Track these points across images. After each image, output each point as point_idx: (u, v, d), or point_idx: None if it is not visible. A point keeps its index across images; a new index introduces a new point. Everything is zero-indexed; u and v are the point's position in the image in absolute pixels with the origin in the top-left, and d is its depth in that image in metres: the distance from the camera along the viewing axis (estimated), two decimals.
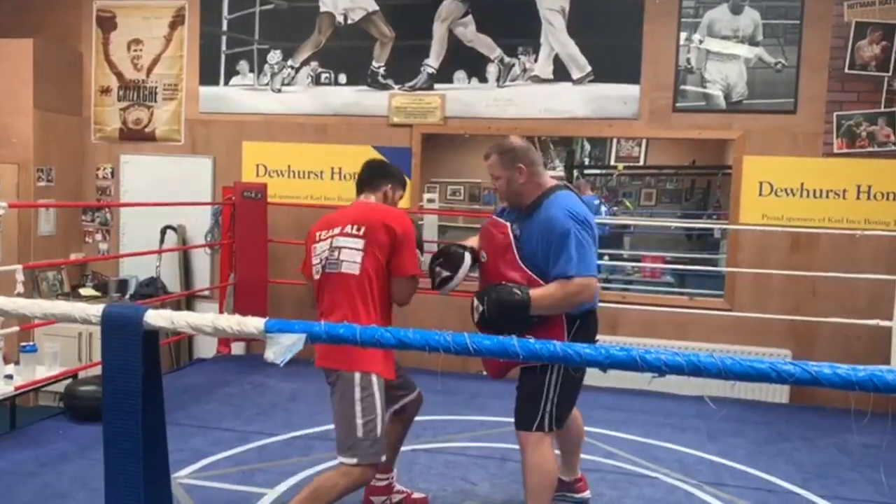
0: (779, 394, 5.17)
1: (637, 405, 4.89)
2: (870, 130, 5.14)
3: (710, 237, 8.92)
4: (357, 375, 2.67)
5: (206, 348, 6.02)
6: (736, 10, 5.27)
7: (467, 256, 2.84)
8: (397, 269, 2.74)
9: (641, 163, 10.88)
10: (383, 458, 2.76)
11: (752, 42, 5.27)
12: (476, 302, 2.71)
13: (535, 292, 2.63)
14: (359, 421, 2.65)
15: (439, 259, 2.89)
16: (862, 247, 5.02)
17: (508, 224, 2.76)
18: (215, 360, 5.73)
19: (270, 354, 1.15)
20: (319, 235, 2.83)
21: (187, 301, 6.16)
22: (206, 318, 1.19)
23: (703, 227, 8.67)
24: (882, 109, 5.11)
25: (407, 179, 3.12)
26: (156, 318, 1.17)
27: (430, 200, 9.92)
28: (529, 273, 2.69)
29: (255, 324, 1.15)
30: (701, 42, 5.33)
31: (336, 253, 2.75)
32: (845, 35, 5.13)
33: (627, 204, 10.64)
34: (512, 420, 2.86)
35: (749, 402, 5.10)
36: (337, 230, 2.78)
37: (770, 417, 4.79)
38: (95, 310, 1.18)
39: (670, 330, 5.33)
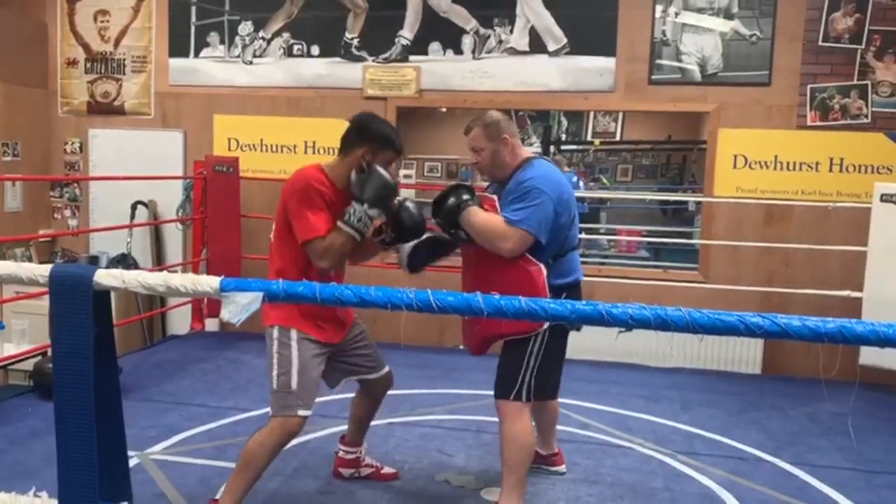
0: (751, 365, 5.21)
1: (611, 377, 4.92)
2: (843, 103, 5.16)
3: (686, 211, 8.96)
4: (275, 329, 2.62)
5: (180, 325, 5.95)
6: None
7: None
8: (297, 238, 2.55)
9: (617, 138, 10.90)
10: (301, 413, 2.59)
11: (727, 14, 5.25)
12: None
13: (476, 210, 2.66)
14: (273, 373, 2.61)
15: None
16: (834, 219, 5.05)
17: (496, 198, 2.74)
18: (189, 337, 5.66)
19: (226, 314, 1.11)
20: None
21: None
22: (159, 277, 1.15)
23: (677, 201, 8.70)
24: (855, 82, 5.13)
25: (396, 138, 2.68)
26: (106, 277, 1.12)
27: (406, 176, 9.87)
28: None
29: (209, 282, 1.11)
30: (677, 14, 5.30)
31: None
32: (819, 7, 5.12)
33: (605, 180, 10.67)
34: (489, 392, 2.85)
35: (722, 373, 5.15)
36: None
37: (742, 388, 4.84)
38: (43, 269, 1.13)
39: (645, 301, 5.28)
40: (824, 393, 4.45)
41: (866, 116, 5.13)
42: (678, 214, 9.38)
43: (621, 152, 11.67)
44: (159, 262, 6.04)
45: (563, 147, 10.46)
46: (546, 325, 2.66)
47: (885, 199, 4.67)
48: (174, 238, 6.04)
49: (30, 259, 6.00)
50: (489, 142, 2.74)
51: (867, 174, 5.11)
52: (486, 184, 3.06)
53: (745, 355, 5.21)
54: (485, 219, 2.65)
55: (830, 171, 5.18)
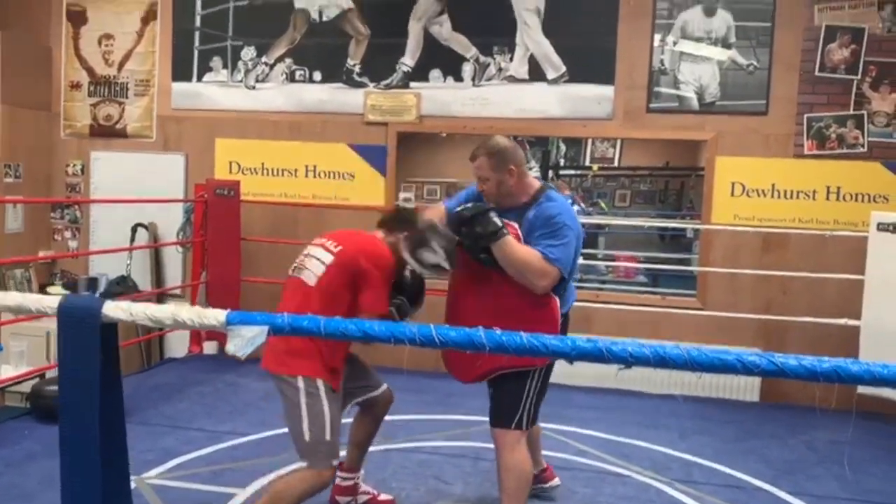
0: (749, 392, 5.22)
1: (609, 403, 4.92)
2: (839, 132, 5.21)
3: (684, 238, 8.99)
4: (300, 380, 2.65)
5: (178, 348, 5.95)
6: (709, 13, 5.31)
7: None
8: (361, 305, 2.69)
9: (616, 164, 10.96)
10: (335, 462, 2.72)
11: (724, 44, 5.32)
12: (469, 206, 2.70)
13: (513, 242, 2.60)
14: (304, 426, 2.63)
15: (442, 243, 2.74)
16: (831, 247, 5.08)
17: (517, 226, 2.69)
18: (187, 360, 5.65)
19: (231, 347, 1.12)
20: (312, 241, 2.87)
21: (158, 299, 6.07)
22: (166, 310, 1.17)
23: (676, 228, 8.73)
24: (851, 112, 5.18)
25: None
26: (114, 309, 1.14)
27: (406, 199, 9.91)
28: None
29: (216, 315, 1.13)
30: (674, 43, 5.37)
31: (305, 260, 2.77)
32: (816, 38, 5.19)
33: (603, 205, 10.71)
34: (486, 419, 2.85)
35: (720, 400, 5.15)
36: (321, 241, 2.81)
37: (740, 416, 4.83)
38: (52, 301, 1.15)
39: (643, 329, 5.35)
40: (822, 422, 4.45)
41: (862, 146, 5.18)
42: (676, 240, 9.40)
43: (619, 178, 11.71)
44: (159, 284, 6.05)
45: (561, 172, 10.52)
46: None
47: (882, 228, 4.70)
48: (174, 260, 6.05)
49: (29, 281, 6.01)
50: (494, 172, 2.70)
51: (864, 203, 5.15)
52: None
53: (743, 383, 5.23)
54: (523, 253, 2.61)
55: (827, 199, 5.21)
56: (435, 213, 2.89)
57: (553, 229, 2.63)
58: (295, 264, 2.81)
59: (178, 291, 6.04)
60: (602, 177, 11.31)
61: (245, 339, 1.08)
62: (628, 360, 0.99)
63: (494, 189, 2.72)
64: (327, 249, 2.74)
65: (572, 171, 10.88)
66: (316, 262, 2.73)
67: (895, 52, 5.09)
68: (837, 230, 5.06)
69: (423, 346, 1.09)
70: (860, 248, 4.80)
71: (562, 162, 11.09)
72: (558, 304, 2.70)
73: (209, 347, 5.77)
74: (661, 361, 0.97)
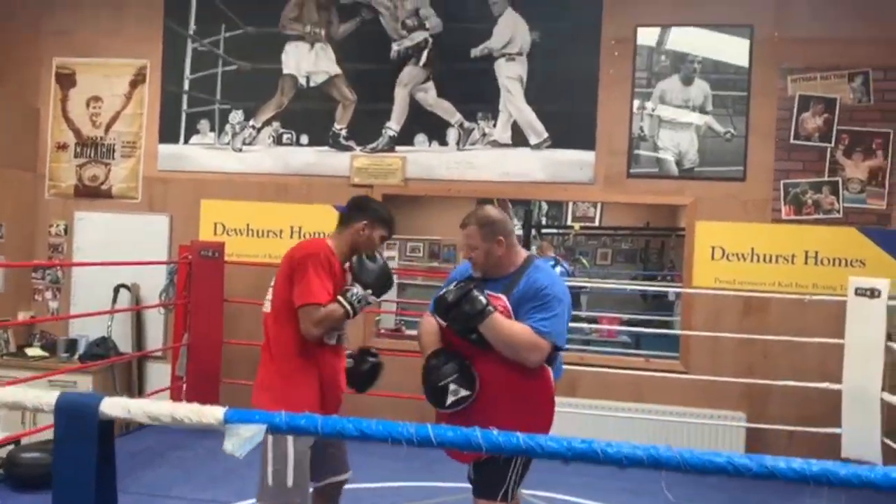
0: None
1: (596, 469, 4.84)
2: (815, 198, 5.34)
3: (666, 297, 9.07)
4: None
5: None
6: (687, 81, 5.48)
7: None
8: (294, 300, 2.65)
9: (597, 223, 11.12)
10: None
11: (702, 111, 5.47)
12: (453, 287, 2.65)
13: (499, 317, 2.59)
14: (268, 468, 2.60)
15: (453, 375, 2.64)
16: (811, 311, 5.14)
17: (504, 298, 2.69)
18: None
19: (229, 446, 1.13)
20: None
21: (139, 361, 6.01)
22: (164, 408, 1.17)
23: (657, 291, 8.84)
24: (826, 178, 5.32)
25: (392, 219, 2.91)
26: (112, 407, 1.14)
27: (389, 258, 9.93)
28: None
29: (213, 414, 1.14)
30: (653, 110, 5.52)
31: (267, 293, 2.81)
32: (790, 107, 5.36)
33: (584, 262, 10.83)
34: (466, 485, 2.83)
35: None
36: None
37: (728, 482, 4.80)
38: (49, 398, 1.15)
39: (627, 392, 5.36)
40: (811, 488, 4.44)
41: (838, 211, 5.31)
42: (659, 299, 9.49)
43: (601, 237, 11.87)
44: (140, 346, 5.98)
45: (543, 231, 10.63)
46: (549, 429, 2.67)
47: (860, 293, 4.78)
48: (156, 321, 6.00)
49: (7, 342, 5.92)
50: (484, 242, 2.72)
51: (841, 267, 5.25)
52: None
53: (729, 445, 5.21)
54: (512, 329, 2.59)
55: (806, 263, 5.31)
56: (428, 328, 2.83)
57: (543, 302, 2.65)
58: None
59: (159, 354, 5.97)
60: (584, 235, 11.46)
61: (243, 439, 1.09)
62: (622, 463, 1.01)
63: (483, 258, 2.74)
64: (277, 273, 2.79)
65: (554, 230, 11.02)
66: (270, 289, 2.78)
67: (866, 121, 5.27)
68: (817, 294, 5.13)
69: (421, 447, 1.10)
70: (839, 312, 4.86)
71: (544, 221, 11.23)
72: (552, 374, 2.71)
73: None
74: (655, 463, 0.99)
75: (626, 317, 8.05)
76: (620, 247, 12.15)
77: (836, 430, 4.76)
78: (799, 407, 5.08)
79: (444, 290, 2.72)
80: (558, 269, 8.64)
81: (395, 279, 9.73)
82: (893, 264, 5.16)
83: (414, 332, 8.79)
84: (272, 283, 2.79)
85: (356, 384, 2.95)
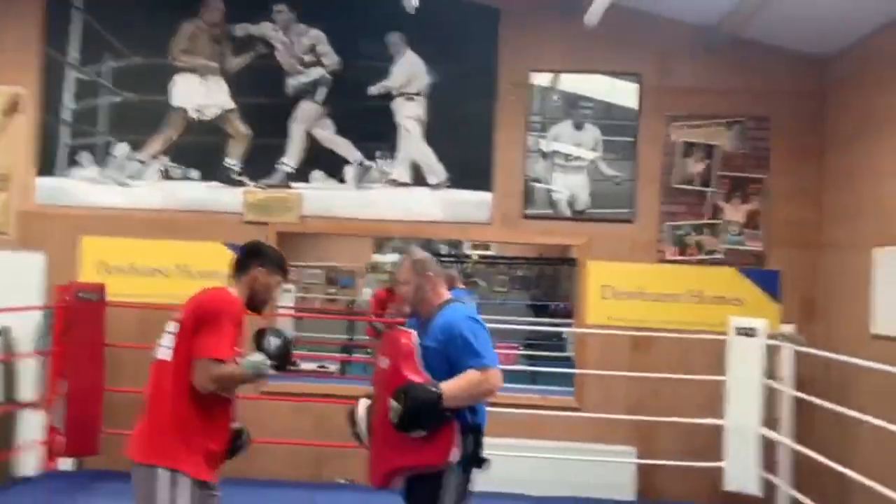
0: (626, 491, 5.34)
1: None
2: (698, 240, 5.60)
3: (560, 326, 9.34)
4: (159, 471, 2.48)
5: (28, 463, 5.42)
6: (578, 127, 5.64)
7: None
8: (194, 349, 2.55)
9: (494, 252, 11.39)
10: None
11: (593, 156, 5.64)
12: (393, 402, 2.67)
13: (446, 385, 2.68)
14: None
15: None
16: (696, 348, 5.36)
17: (414, 333, 2.84)
18: (38, 480, 5.17)
19: None
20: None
21: (10, 414, 5.56)
22: None
23: (551, 331, 9.10)
24: (707, 221, 5.59)
25: (286, 264, 2.87)
26: None
27: (286, 290, 9.71)
28: (429, 378, 2.72)
29: None
30: (545, 156, 5.64)
31: (161, 339, 2.65)
32: (673, 153, 5.61)
33: (481, 283, 11.24)
34: None
35: (597, 500, 5.24)
36: (175, 314, 2.68)
37: None
38: None
39: (524, 429, 5.38)
40: None
41: (719, 253, 5.58)
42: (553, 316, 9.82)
43: (498, 264, 12.15)
44: (10, 396, 5.54)
45: (443, 259, 10.73)
46: (454, 458, 2.70)
47: (741, 332, 5.04)
48: (28, 371, 5.56)
49: None
50: (416, 276, 2.87)
51: (723, 305, 5.50)
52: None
53: (619, 481, 5.34)
54: (463, 386, 2.69)
55: (690, 302, 5.54)
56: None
57: (461, 341, 2.74)
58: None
59: (34, 403, 5.55)
60: (482, 263, 11.71)
61: None
62: None
63: (413, 293, 2.88)
64: (175, 319, 2.64)
65: (453, 259, 11.15)
66: (168, 336, 2.63)
67: (743, 167, 5.58)
68: (700, 331, 5.35)
69: None
70: (722, 350, 5.10)
71: (443, 249, 11.38)
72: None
73: (65, 463, 5.32)
74: None
75: (522, 342, 8.25)
76: (516, 274, 12.47)
77: (720, 464, 4.98)
78: (685, 441, 5.28)
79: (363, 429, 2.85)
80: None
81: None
82: (768, 303, 5.47)
83: (309, 367, 8.57)
84: (171, 329, 2.63)
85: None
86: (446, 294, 2.96)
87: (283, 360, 2.68)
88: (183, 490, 2.50)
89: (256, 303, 2.76)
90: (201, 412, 2.58)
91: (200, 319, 2.56)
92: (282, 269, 2.82)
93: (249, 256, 2.78)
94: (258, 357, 2.62)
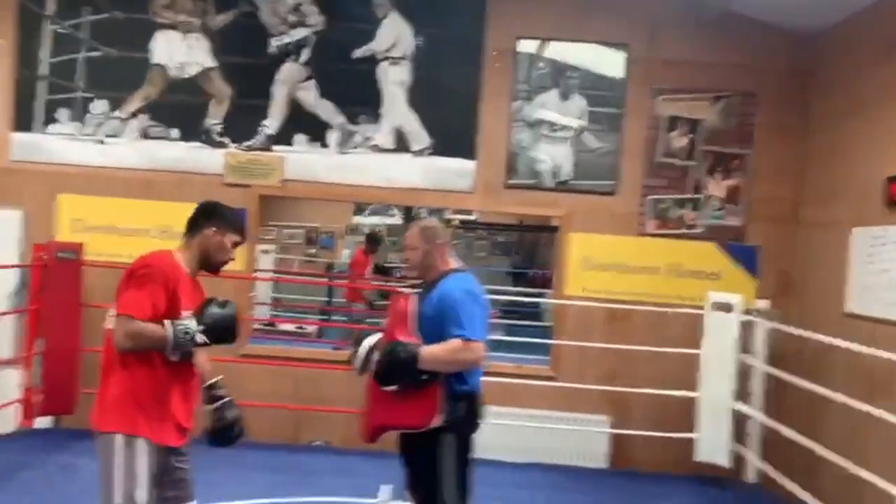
0: (599, 459, 5.45)
1: None
2: (678, 214, 5.63)
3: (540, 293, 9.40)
4: (118, 437, 2.50)
5: (4, 421, 5.42)
6: (565, 96, 5.61)
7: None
8: (116, 306, 2.51)
9: (474, 217, 11.42)
10: None
11: (578, 127, 5.62)
12: (376, 355, 2.84)
13: (426, 349, 2.78)
14: (116, 491, 2.48)
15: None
16: (672, 321, 5.43)
17: (414, 298, 2.93)
18: (14, 437, 5.17)
19: None
20: None
21: None
22: None
23: (530, 301, 9.14)
24: (689, 196, 5.62)
25: (243, 224, 2.83)
26: None
27: (265, 251, 9.66)
28: (418, 341, 2.82)
29: None
30: (531, 125, 5.61)
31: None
32: (657, 126, 5.60)
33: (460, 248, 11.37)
34: (350, 500, 2.91)
35: (571, 468, 5.34)
36: None
37: (591, 485, 5.04)
38: None
39: (501, 397, 5.43)
40: (666, 489, 4.73)
41: (700, 227, 5.62)
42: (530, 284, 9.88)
43: (478, 230, 12.19)
44: None
45: None
46: (436, 422, 2.79)
47: (717, 307, 5.11)
48: (5, 328, 5.53)
49: None
50: (424, 243, 2.95)
51: (701, 280, 5.56)
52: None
53: (592, 451, 5.45)
54: (441, 351, 2.78)
55: (669, 276, 5.59)
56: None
57: (453, 311, 2.81)
58: None
59: (9, 361, 5.52)
60: (462, 228, 11.75)
61: None
62: None
63: (420, 258, 2.97)
64: None
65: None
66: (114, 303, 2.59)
67: (727, 142, 5.59)
68: (678, 305, 5.42)
69: None
70: (698, 322, 5.17)
71: (425, 213, 11.38)
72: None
73: (42, 421, 5.32)
74: None
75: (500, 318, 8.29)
76: (497, 239, 12.52)
77: (692, 436, 5.08)
78: (659, 412, 5.37)
79: (361, 359, 2.88)
80: None
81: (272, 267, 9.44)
82: (746, 279, 5.53)
83: (288, 328, 8.55)
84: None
85: (215, 441, 2.78)
86: (452, 262, 3.04)
87: (219, 332, 2.59)
88: (141, 455, 2.51)
89: (211, 263, 2.72)
90: (152, 376, 2.56)
91: (126, 280, 2.55)
92: (238, 228, 2.77)
93: (201, 216, 2.74)
94: (187, 322, 2.54)
